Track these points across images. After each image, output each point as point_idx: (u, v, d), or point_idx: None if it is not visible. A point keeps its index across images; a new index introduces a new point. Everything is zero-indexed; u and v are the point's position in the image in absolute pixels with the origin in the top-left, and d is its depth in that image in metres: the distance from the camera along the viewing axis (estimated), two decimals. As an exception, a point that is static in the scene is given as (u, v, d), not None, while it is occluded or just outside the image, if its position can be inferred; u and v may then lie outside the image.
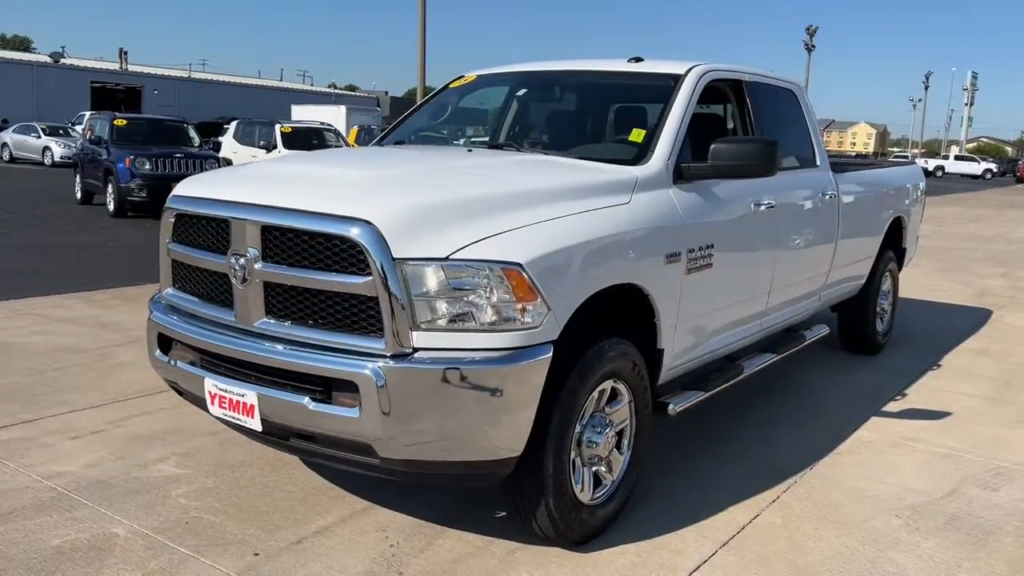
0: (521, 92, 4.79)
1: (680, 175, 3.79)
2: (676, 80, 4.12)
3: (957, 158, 65.65)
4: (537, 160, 3.91)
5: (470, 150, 4.13)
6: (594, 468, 3.41)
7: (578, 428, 3.25)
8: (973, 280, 10.93)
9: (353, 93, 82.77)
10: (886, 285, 6.76)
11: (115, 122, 15.34)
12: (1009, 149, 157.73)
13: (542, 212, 3.12)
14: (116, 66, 61.80)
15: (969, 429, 5.00)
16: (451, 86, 4.98)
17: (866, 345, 6.59)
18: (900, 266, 7.08)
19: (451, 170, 3.62)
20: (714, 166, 3.77)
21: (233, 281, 3.14)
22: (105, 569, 3.07)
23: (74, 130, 30.71)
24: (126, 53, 61.49)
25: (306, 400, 2.93)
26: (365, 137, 20.17)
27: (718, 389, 4.17)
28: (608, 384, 3.38)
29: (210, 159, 15.18)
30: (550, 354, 2.97)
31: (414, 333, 2.83)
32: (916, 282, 10.22)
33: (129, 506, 3.57)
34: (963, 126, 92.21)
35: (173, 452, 4.17)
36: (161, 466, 4.01)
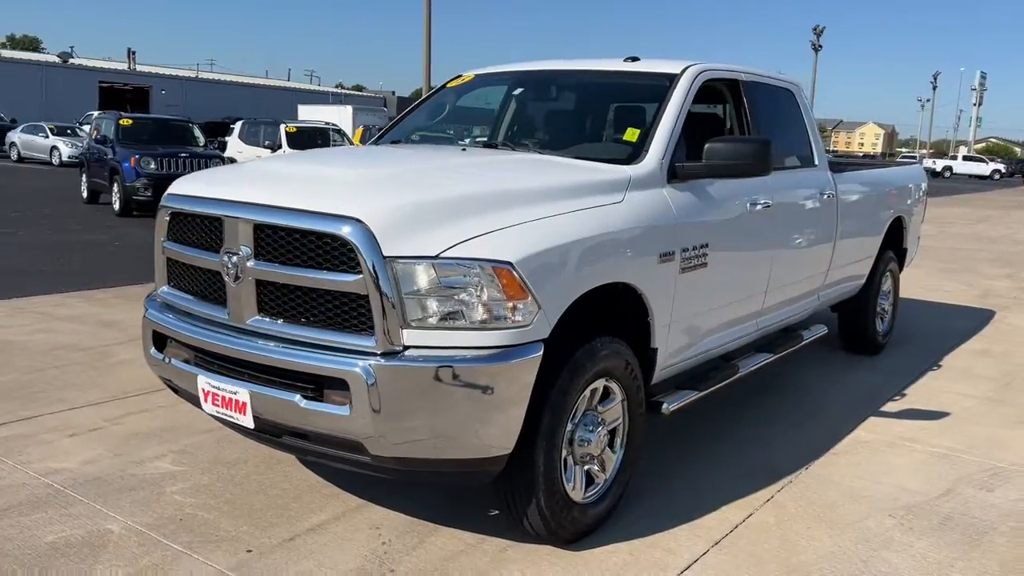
0: (517, 91, 4.81)
1: (674, 174, 3.79)
2: (671, 80, 4.12)
3: (965, 158, 65.37)
4: (530, 159, 3.92)
5: (464, 149, 4.15)
6: (586, 467, 3.41)
7: (570, 427, 3.26)
8: (977, 281, 10.89)
9: (360, 93, 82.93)
10: (887, 285, 6.74)
11: (121, 122, 15.41)
12: (1018, 150, 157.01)
13: (534, 211, 3.13)
14: (124, 66, 62.10)
15: (967, 429, 4.99)
16: (449, 85, 5.00)
17: (866, 345, 6.58)
18: (901, 266, 7.07)
19: (443, 169, 3.63)
20: (708, 165, 3.77)
21: (226, 279, 3.16)
22: (98, 565, 3.09)
23: (82, 130, 30.79)
24: (134, 53, 61.85)
25: (297, 398, 2.94)
26: (369, 137, 20.18)
27: (712, 389, 4.17)
28: (600, 383, 3.38)
29: (215, 159, 15.24)
30: (540, 352, 2.98)
31: (404, 331, 2.84)
32: (920, 282, 10.19)
33: (124, 503, 3.59)
34: (972, 126, 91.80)
35: (170, 449, 4.19)
36: (157, 463, 4.03)
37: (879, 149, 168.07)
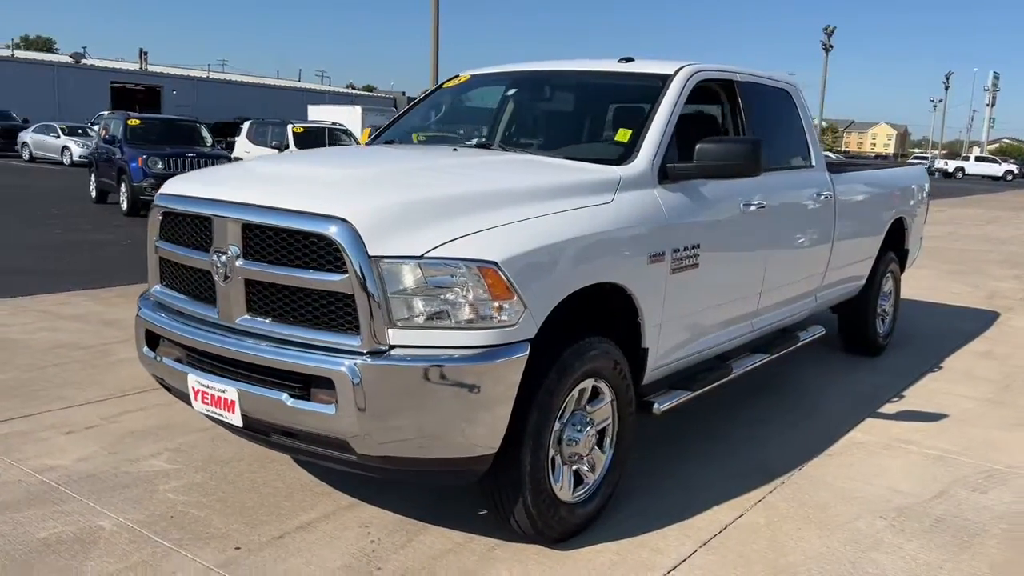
0: (511, 92, 4.82)
1: (666, 175, 3.80)
2: (664, 80, 4.13)
3: (978, 159, 64.94)
4: (520, 160, 3.93)
5: (455, 149, 4.16)
6: (575, 466, 3.42)
7: (557, 426, 3.27)
8: (984, 282, 10.84)
9: (370, 93, 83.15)
10: (887, 286, 6.72)
11: (129, 122, 15.51)
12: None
13: (521, 211, 3.14)
14: (136, 66, 62.45)
15: (964, 431, 4.97)
16: (445, 86, 5.02)
17: (866, 346, 6.56)
18: (903, 268, 7.04)
19: (432, 169, 3.65)
20: (699, 166, 3.77)
21: (216, 278, 3.18)
22: (88, 561, 3.12)
23: (92, 130, 30.99)
24: (146, 54, 62.19)
25: (284, 396, 2.96)
26: (377, 138, 20.19)
27: (705, 389, 4.17)
28: (589, 383, 3.39)
29: (222, 158, 15.30)
30: (527, 352, 2.99)
31: (390, 330, 2.86)
32: (925, 284, 10.16)
33: (117, 500, 3.62)
34: (985, 127, 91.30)
35: (165, 447, 4.22)
36: (152, 461, 4.06)
37: (891, 150, 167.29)
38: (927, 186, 7.32)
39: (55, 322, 6.68)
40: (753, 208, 4.33)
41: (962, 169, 61.17)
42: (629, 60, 4.49)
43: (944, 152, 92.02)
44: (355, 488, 3.81)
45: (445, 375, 2.86)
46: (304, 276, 2.95)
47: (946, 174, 60.91)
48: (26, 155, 32.26)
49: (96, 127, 24.49)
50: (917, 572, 3.32)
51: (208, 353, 3.22)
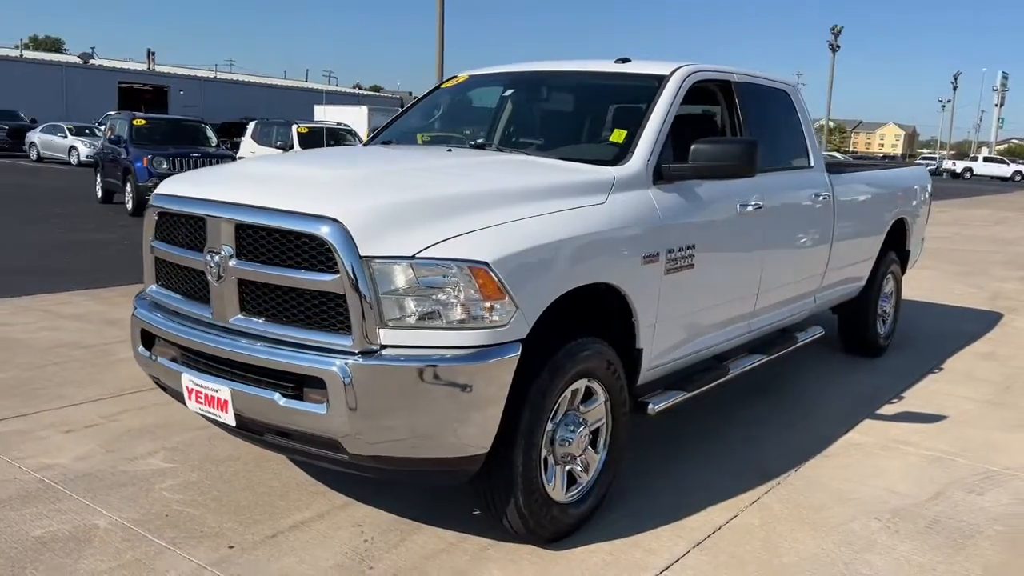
0: (508, 92, 4.82)
1: (661, 176, 3.80)
2: (660, 81, 4.13)
3: (986, 160, 64.67)
4: (515, 160, 3.94)
5: (450, 150, 4.17)
6: (568, 467, 3.42)
7: (550, 426, 3.27)
8: (988, 283, 10.80)
9: (377, 94, 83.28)
10: (888, 287, 6.70)
11: (134, 122, 15.57)
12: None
13: (514, 212, 3.15)
14: (144, 67, 62.66)
15: (963, 433, 4.96)
16: (443, 86, 5.03)
17: (867, 347, 6.55)
18: (904, 268, 7.02)
19: (425, 170, 3.65)
20: (694, 167, 3.77)
21: (209, 278, 3.20)
22: (83, 559, 3.13)
23: (100, 130, 31.13)
24: (154, 54, 62.46)
25: (277, 396, 2.98)
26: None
27: (700, 390, 4.16)
28: (582, 383, 3.39)
29: (226, 158, 15.34)
30: (518, 352, 2.99)
31: (381, 331, 2.86)
32: (929, 285, 10.13)
33: (113, 498, 3.64)
34: (993, 127, 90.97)
35: (162, 446, 4.24)
36: (149, 460, 4.08)
37: (899, 150, 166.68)
38: (929, 186, 7.30)
39: (56, 321, 6.71)
40: (750, 209, 4.33)
41: (970, 170, 60.93)
42: (626, 61, 4.49)
43: (953, 153, 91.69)
44: (350, 488, 3.82)
45: (436, 375, 2.86)
46: (296, 276, 2.96)
47: (954, 175, 60.69)
48: (34, 155, 32.40)
49: (103, 127, 24.66)
50: (910, 573, 3.31)
51: (202, 353, 3.24)
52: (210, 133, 16.76)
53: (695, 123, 4.41)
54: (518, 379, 3.02)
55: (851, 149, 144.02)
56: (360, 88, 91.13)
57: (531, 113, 4.84)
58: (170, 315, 3.48)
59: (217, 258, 3.13)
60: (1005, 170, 59.89)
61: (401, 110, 5.08)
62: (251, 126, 20.45)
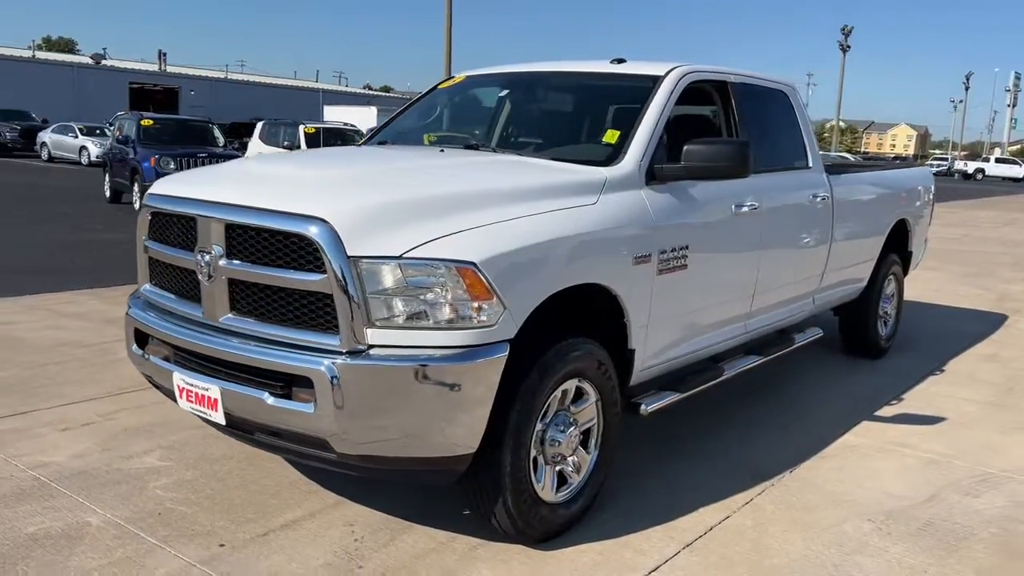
0: (504, 93, 4.83)
1: (653, 176, 3.79)
2: (655, 81, 4.12)
3: (998, 160, 64.25)
4: (507, 161, 3.94)
5: (442, 150, 4.18)
6: (558, 467, 3.43)
7: (539, 426, 3.27)
8: (994, 285, 10.74)
9: (387, 94, 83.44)
10: (890, 288, 6.67)
11: (142, 122, 15.65)
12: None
13: (503, 212, 3.15)
14: (155, 67, 62.98)
15: (962, 435, 4.94)
16: (440, 87, 5.04)
17: (868, 349, 6.52)
18: (906, 270, 6.99)
19: (416, 170, 3.66)
20: (687, 167, 3.77)
21: (200, 278, 3.21)
22: (73, 557, 3.16)
23: (110, 130, 31.32)
24: (165, 54, 62.77)
25: (265, 395, 2.99)
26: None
27: (694, 391, 4.16)
28: (572, 383, 3.39)
29: (233, 159, 15.40)
30: (506, 353, 2.99)
31: (369, 330, 2.87)
32: (934, 286, 10.09)
33: (107, 496, 3.66)
34: (1006, 128, 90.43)
35: (158, 445, 4.26)
36: (145, 458, 4.10)
37: (911, 151, 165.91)
38: (932, 187, 7.27)
39: (59, 320, 6.76)
40: (745, 209, 4.32)
41: (982, 170, 60.55)
42: (621, 61, 4.49)
43: (965, 153, 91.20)
44: (342, 487, 3.83)
45: (424, 375, 2.87)
46: (285, 276, 2.98)
47: (965, 175, 60.34)
48: (45, 155, 32.60)
49: (112, 127, 24.79)
50: (900, 575, 3.30)
51: (192, 352, 3.26)
52: (217, 133, 16.85)
53: (691, 124, 4.40)
54: (506, 379, 3.03)
55: (862, 150, 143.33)
56: (370, 88, 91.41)
57: (526, 113, 4.84)
58: (163, 314, 3.51)
59: (208, 258, 3.15)
60: (1017, 171, 59.46)
61: (397, 110, 5.09)
62: (259, 126, 20.51)
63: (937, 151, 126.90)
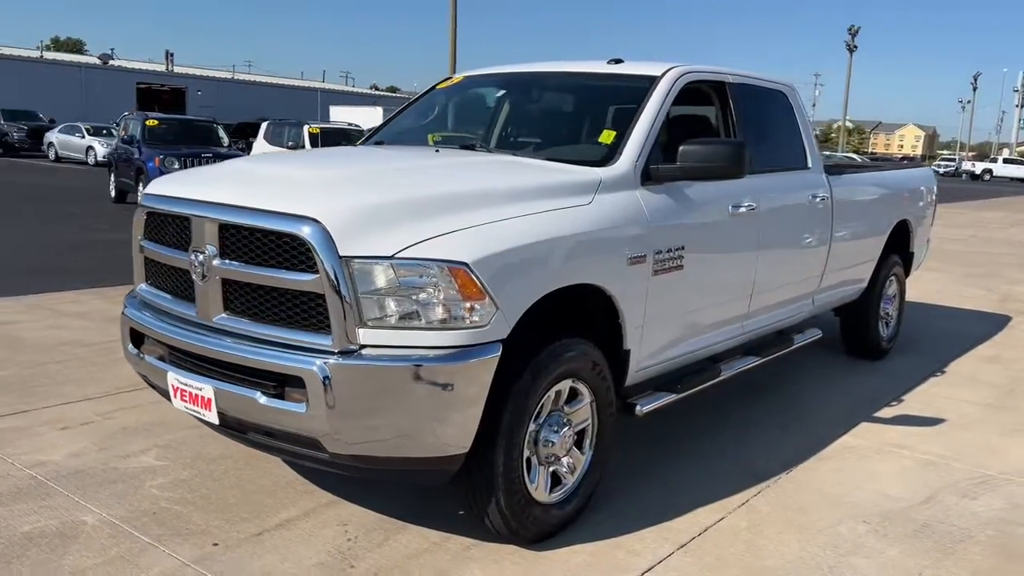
0: (502, 93, 4.84)
1: (649, 177, 3.79)
2: (651, 82, 4.12)
3: (1006, 161, 64.03)
4: (501, 161, 3.94)
5: (437, 150, 4.18)
6: (552, 467, 3.42)
7: (533, 427, 3.27)
8: (999, 286, 10.70)
9: (394, 95, 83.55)
10: (891, 290, 6.65)
11: (147, 122, 15.72)
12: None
13: (496, 212, 3.15)
14: (163, 68, 63.19)
15: (960, 436, 4.92)
16: (439, 87, 5.05)
17: (869, 350, 6.50)
18: (908, 271, 6.97)
19: (409, 170, 3.66)
20: (682, 167, 3.76)
21: (194, 277, 3.22)
22: (68, 555, 3.17)
23: (116, 130, 31.44)
24: (172, 55, 62.92)
25: (258, 394, 3.00)
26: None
27: (690, 391, 4.15)
28: (566, 384, 3.39)
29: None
30: (498, 353, 2.99)
31: (360, 330, 2.88)
32: (937, 287, 10.06)
33: (102, 495, 3.68)
34: (1014, 128, 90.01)
35: (155, 444, 4.27)
36: (141, 457, 4.12)
37: (919, 151, 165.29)
38: (935, 188, 7.24)
39: (61, 320, 6.78)
40: (742, 210, 4.31)
41: (990, 171, 60.36)
42: (618, 61, 4.48)
43: (973, 154, 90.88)
44: (338, 486, 3.83)
45: (416, 375, 2.87)
46: (277, 276, 2.98)
47: (973, 176, 60.15)
48: (52, 155, 32.75)
49: (119, 127, 24.87)
50: (895, 578, 3.30)
51: (186, 351, 3.27)
52: (222, 133, 16.90)
53: (688, 124, 4.40)
54: (499, 379, 3.03)
55: (869, 150, 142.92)
56: (377, 89, 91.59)
57: (524, 114, 4.84)
58: (158, 314, 3.52)
59: (201, 257, 3.16)
60: (1025, 171, 59.24)
61: (395, 111, 5.10)
62: (263, 127, 20.57)
63: (945, 151, 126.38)
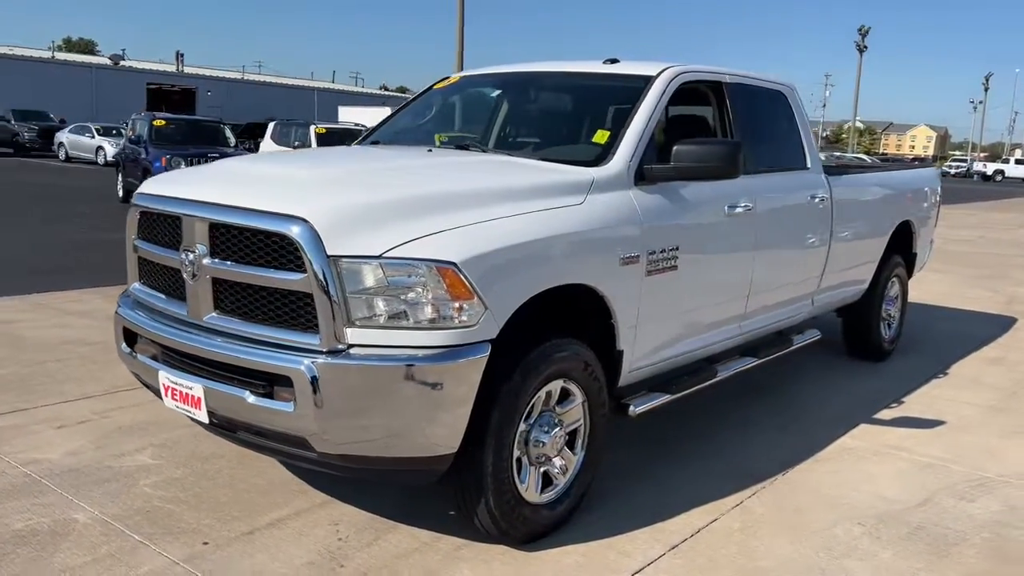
0: (497, 93, 4.83)
1: (643, 177, 3.78)
2: (646, 82, 4.11)
3: (1018, 162, 63.65)
4: (494, 161, 3.94)
5: (430, 150, 4.17)
6: (543, 468, 3.41)
7: (523, 427, 3.26)
8: (1005, 287, 10.63)
9: (402, 95, 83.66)
10: (893, 291, 6.61)
11: (154, 122, 15.79)
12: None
13: (487, 212, 3.15)
14: (173, 68, 63.48)
15: (960, 439, 4.88)
16: (436, 87, 5.04)
17: (871, 351, 6.47)
18: (910, 272, 6.92)
19: (400, 170, 3.66)
20: (676, 167, 3.75)
21: (185, 276, 3.23)
22: (58, 553, 3.18)
23: (126, 130, 31.59)
24: (182, 55, 63.22)
25: (246, 393, 3.00)
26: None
27: (685, 392, 4.13)
28: (557, 384, 3.38)
29: (244, 159, 15.49)
30: (487, 353, 2.99)
31: (348, 330, 2.88)
32: (943, 288, 10.00)
33: (95, 494, 3.69)
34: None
35: (150, 443, 4.28)
36: (136, 456, 4.13)
37: (931, 152, 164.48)
38: (938, 188, 7.19)
39: (64, 318, 6.81)
40: (739, 210, 4.29)
41: (1001, 172, 60.05)
42: (614, 61, 4.47)
43: (986, 155, 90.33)
44: (331, 486, 3.83)
45: (404, 375, 2.87)
46: (266, 275, 2.98)
47: (985, 177, 59.82)
48: (62, 155, 32.94)
49: (127, 127, 25.00)
50: (888, 580, 3.27)
51: (177, 350, 3.28)
52: (229, 133, 16.97)
53: (685, 124, 4.39)
54: (488, 379, 3.02)
55: (881, 151, 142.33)
56: (386, 89, 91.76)
57: (519, 113, 4.84)
58: (151, 313, 3.52)
59: (192, 256, 3.17)
60: (1037, 173, 58.87)
61: (392, 111, 5.10)
62: (270, 127, 20.61)
63: (957, 152, 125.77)
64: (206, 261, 3.13)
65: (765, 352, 4.89)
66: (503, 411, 3.11)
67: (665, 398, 3.99)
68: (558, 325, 3.46)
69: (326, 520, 3.55)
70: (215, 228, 3.10)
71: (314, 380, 2.83)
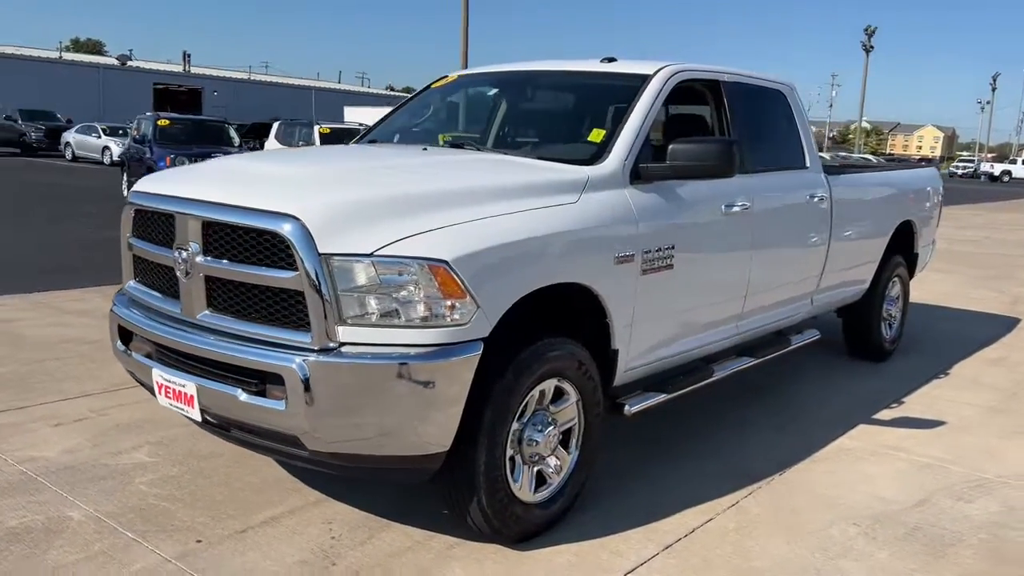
0: (495, 92, 4.83)
1: (638, 175, 3.77)
2: (643, 80, 4.10)
3: (1025, 163, 63.37)
4: (489, 159, 3.93)
5: (425, 149, 4.17)
6: (537, 467, 3.41)
7: (516, 426, 3.26)
8: (1010, 288, 10.58)
9: (408, 95, 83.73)
10: (894, 291, 6.58)
11: (158, 122, 15.84)
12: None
13: (480, 210, 3.14)
14: (180, 68, 63.67)
15: (959, 439, 4.86)
16: (433, 86, 5.04)
17: (871, 351, 6.44)
18: (912, 272, 6.90)
19: (393, 168, 3.66)
20: (672, 166, 3.74)
21: (178, 274, 3.23)
22: (51, 550, 3.18)
23: (131, 130, 31.68)
24: (189, 56, 63.41)
25: (239, 391, 3.00)
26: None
27: (680, 392, 4.12)
28: (551, 383, 3.37)
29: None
30: (479, 351, 2.98)
31: (340, 328, 2.87)
32: (947, 288, 9.97)
33: (91, 491, 3.69)
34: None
35: (147, 441, 4.29)
36: (133, 454, 4.13)
37: (939, 152, 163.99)
38: (940, 188, 7.16)
39: (64, 317, 6.83)
40: (736, 209, 4.28)
41: (1009, 172, 59.76)
42: (612, 60, 4.47)
43: (993, 155, 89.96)
44: (326, 485, 3.83)
45: (396, 373, 2.87)
46: (259, 273, 2.98)
47: (992, 178, 59.56)
48: (69, 155, 33.03)
49: (132, 127, 25.07)
50: (882, 581, 3.26)
51: (170, 348, 3.28)
52: (233, 133, 17.00)
53: (682, 123, 4.38)
54: (480, 378, 3.01)
55: (888, 151, 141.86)
56: (392, 89, 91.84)
57: (516, 112, 4.83)
58: (145, 311, 3.53)
59: (185, 255, 3.17)
60: (1045, 173, 58.59)
61: (389, 110, 5.10)
62: (275, 127, 20.63)
63: (964, 152, 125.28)
64: (199, 259, 3.13)
65: (763, 352, 4.87)
66: (496, 410, 3.11)
67: (661, 398, 3.98)
68: (553, 324, 3.45)
69: (319, 518, 3.54)
70: (208, 226, 3.11)
71: (305, 378, 2.83)
